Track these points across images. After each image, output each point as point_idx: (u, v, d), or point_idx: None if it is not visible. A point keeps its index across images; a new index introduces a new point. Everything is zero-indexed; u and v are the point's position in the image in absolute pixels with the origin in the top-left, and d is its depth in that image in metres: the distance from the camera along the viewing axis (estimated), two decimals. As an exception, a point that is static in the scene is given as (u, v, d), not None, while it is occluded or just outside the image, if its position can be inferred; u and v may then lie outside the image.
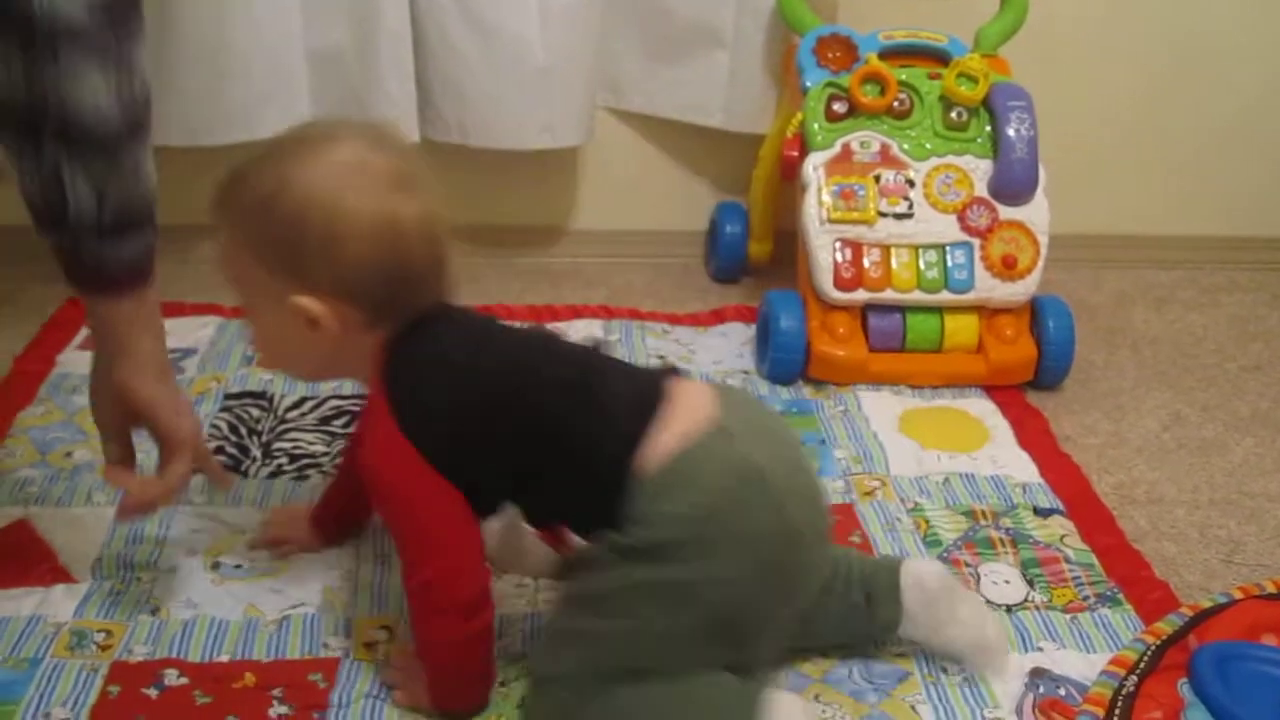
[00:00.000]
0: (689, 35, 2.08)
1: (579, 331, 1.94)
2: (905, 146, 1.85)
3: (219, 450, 1.60)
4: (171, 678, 1.23)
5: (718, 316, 2.04)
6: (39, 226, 1.13)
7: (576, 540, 1.25)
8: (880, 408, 1.77)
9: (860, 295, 1.80)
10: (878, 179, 1.83)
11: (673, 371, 1.21)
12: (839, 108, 1.87)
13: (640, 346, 1.92)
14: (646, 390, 1.15)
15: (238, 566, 1.40)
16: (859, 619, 1.25)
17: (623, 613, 1.12)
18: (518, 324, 1.25)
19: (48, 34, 1.02)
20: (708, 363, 1.89)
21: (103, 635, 1.29)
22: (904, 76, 1.88)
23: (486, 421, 1.13)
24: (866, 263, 1.80)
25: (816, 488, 1.22)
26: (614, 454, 1.11)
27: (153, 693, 1.22)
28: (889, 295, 1.80)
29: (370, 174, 1.11)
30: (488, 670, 1.21)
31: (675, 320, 2.03)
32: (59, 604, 1.33)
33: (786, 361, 1.81)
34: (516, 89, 2.05)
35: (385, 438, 1.13)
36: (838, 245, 1.80)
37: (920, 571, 1.24)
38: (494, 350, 1.18)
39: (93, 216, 1.11)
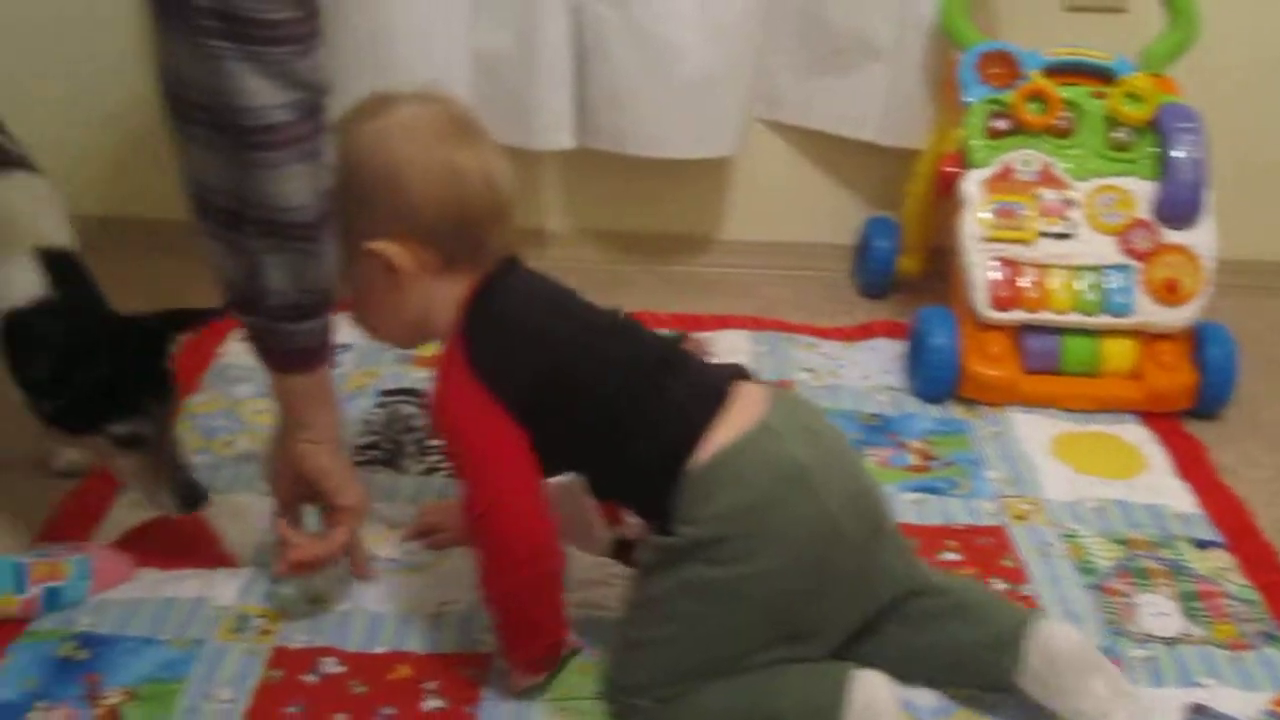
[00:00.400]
0: (847, 48, 2.07)
1: (725, 344, 1.95)
2: (1067, 166, 1.82)
3: (374, 445, 1.64)
4: (330, 665, 1.27)
5: (866, 331, 2.03)
6: (233, 308, 1.21)
7: (633, 519, 1.28)
8: (1033, 430, 1.74)
9: (1016, 315, 1.77)
10: (1038, 198, 1.80)
11: (741, 374, 1.24)
12: (1000, 125, 1.84)
13: (788, 359, 1.91)
14: (709, 390, 1.19)
15: (393, 560, 1.42)
16: (969, 656, 1.22)
17: (679, 616, 1.17)
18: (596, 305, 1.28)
19: (255, 135, 1.09)
20: (855, 378, 1.87)
21: (263, 621, 1.32)
22: (1067, 95, 1.85)
23: (553, 389, 1.18)
24: (1023, 282, 1.77)
25: (869, 489, 1.23)
26: (667, 449, 1.16)
27: (311, 679, 1.25)
28: (1045, 316, 1.77)
29: (425, 126, 1.20)
30: (554, 627, 1.23)
31: (823, 334, 2.02)
32: (222, 588, 1.37)
33: (938, 379, 1.79)
34: (672, 98, 2.05)
35: (457, 380, 1.19)
36: (995, 264, 1.78)
37: (1052, 632, 1.19)
38: (571, 323, 1.23)
39: (286, 303, 1.18)
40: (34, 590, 1.34)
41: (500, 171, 1.22)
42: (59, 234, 1.36)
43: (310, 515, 1.35)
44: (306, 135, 1.11)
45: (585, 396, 1.18)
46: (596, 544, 1.33)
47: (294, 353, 1.22)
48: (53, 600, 1.34)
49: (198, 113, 1.08)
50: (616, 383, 1.18)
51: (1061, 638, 1.18)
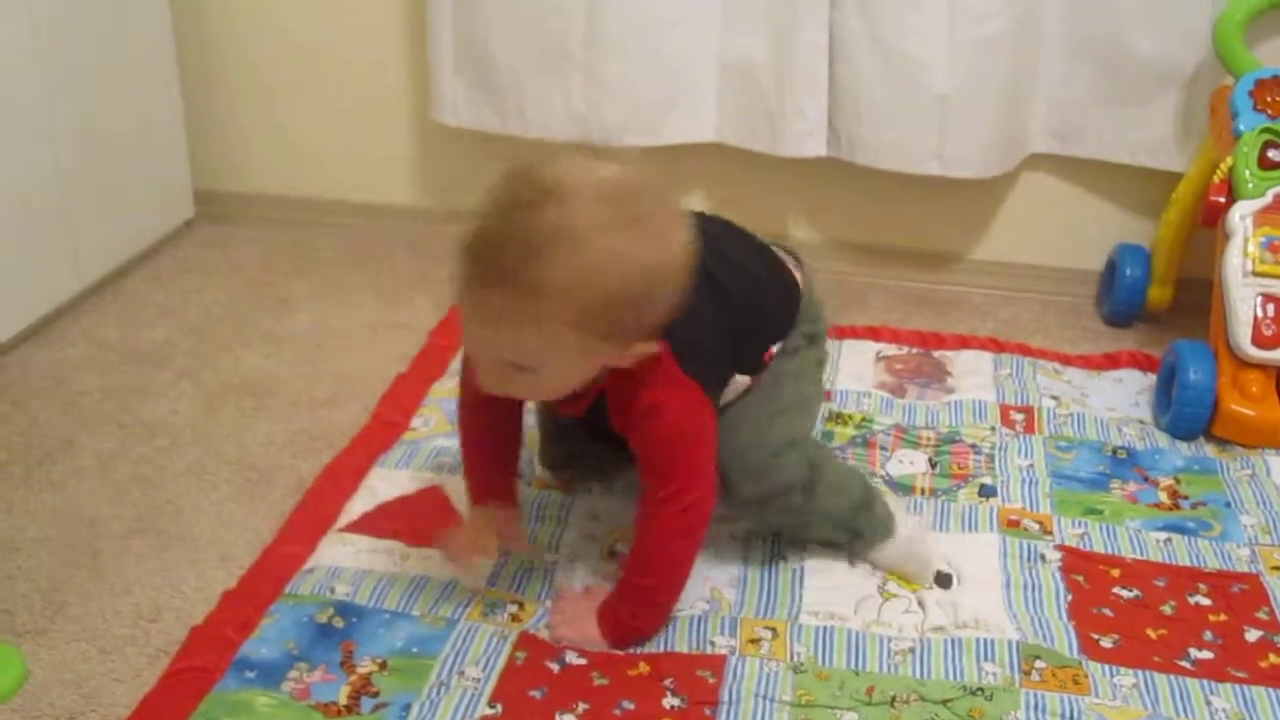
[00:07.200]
0: (1148, 76, 2.02)
1: (966, 363, 1.92)
2: (1344, 202, 1.74)
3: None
4: (572, 656, 1.29)
5: (1111, 361, 1.97)
6: None
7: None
8: (1292, 477, 1.66)
9: (1280, 355, 1.71)
10: (1311, 233, 1.73)
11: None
12: (1275, 155, 1.77)
13: (1031, 383, 1.87)
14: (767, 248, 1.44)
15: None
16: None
17: (804, 378, 1.42)
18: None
19: None
20: (1100, 408, 1.82)
21: (515, 608, 1.36)
22: (1350, 127, 1.76)
23: (731, 337, 1.31)
24: (1290, 321, 1.70)
25: None
26: (791, 306, 1.41)
27: (555, 667, 1.28)
28: (1312, 359, 1.70)
29: (646, 214, 1.13)
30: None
31: (1066, 361, 1.96)
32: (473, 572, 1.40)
33: (1192, 416, 1.72)
34: (910, 113, 2.04)
35: (681, 389, 1.24)
36: (1260, 300, 1.71)
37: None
38: (730, 283, 1.31)
39: None
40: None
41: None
42: None
43: None
44: None
45: (758, 325, 1.36)
46: None
47: None
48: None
49: None
50: (770, 280, 1.40)
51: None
